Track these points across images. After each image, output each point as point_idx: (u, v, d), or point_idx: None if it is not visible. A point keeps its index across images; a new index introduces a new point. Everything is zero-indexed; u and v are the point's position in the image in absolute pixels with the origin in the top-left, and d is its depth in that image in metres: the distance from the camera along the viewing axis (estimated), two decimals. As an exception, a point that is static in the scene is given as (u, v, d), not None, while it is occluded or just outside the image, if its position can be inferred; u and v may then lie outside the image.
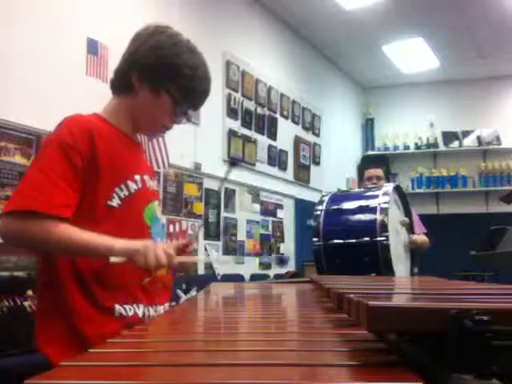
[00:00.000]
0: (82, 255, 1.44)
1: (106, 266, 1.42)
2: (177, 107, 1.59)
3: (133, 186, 1.54)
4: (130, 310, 1.51)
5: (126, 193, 1.52)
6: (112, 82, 1.63)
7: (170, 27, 1.62)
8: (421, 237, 3.48)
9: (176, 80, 1.55)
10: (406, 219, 3.11)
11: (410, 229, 3.19)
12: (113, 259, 1.37)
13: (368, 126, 9.01)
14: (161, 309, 1.61)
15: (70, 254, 1.44)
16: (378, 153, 8.81)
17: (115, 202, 1.50)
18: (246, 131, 5.74)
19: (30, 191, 1.40)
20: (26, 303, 2.88)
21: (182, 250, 1.57)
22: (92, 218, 1.46)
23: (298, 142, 6.82)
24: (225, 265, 5.11)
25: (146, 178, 1.61)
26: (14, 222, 1.38)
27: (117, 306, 1.49)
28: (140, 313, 1.53)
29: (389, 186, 3.00)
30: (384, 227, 2.72)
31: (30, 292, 2.93)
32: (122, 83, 1.59)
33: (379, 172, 3.87)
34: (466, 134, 8.45)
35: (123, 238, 1.44)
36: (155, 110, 1.59)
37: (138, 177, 1.57)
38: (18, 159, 3.26)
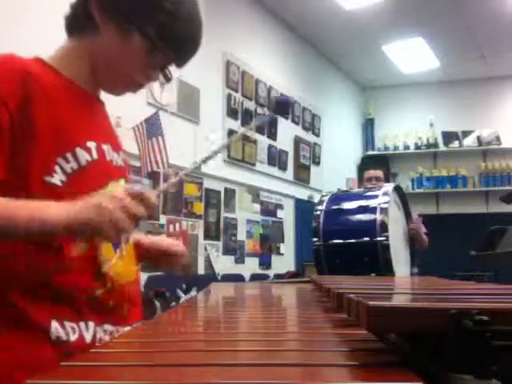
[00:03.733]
0: (22, 235, 1.00)
1: (40, 268, 1.05)
2: (152, 54, 1.18)
3: (84, 156, 1.11)
4: (74, 331, 1.08)
5: (75, 165, 1.10)
6: (66, 19, 1.21)
7: None
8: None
9: (152, 16, 1.16)
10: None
11: (409, 217, 3.19)
12: (78, 249, 1.01)
13: (368, 126, 9.01)
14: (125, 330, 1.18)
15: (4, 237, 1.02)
16: (378, 153, 8.81)
17: (57, 179, 1.07)
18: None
19: None
20: None
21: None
22: (26, 199, 1.03)
23: (298, 141, 6.82)
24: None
25: (105, 147, 1.18)
26: None
27: (54, 326, 1.05)
28: (89, 335, 1.10)
29: (389, 186, 3.00)
30: (384, 227, 2.73)
31: None
32: (79, 18, 1.19)
33: (379, 173, 3.90)
34: (466, 134, 8.45)
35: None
36: (122, 57, 1.18)
37: (92, 144, 1.15)
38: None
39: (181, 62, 1.23)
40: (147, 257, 1.39)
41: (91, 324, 1.11)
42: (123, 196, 0.99)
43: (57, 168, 1.07)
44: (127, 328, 1.16)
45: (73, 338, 1.07)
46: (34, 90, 1.07)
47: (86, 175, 1.11)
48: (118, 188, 1.01)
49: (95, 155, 1.14)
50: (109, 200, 0.98)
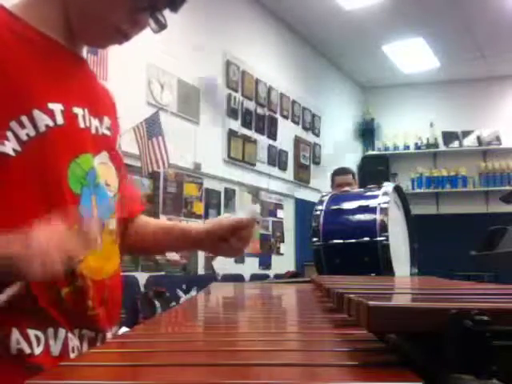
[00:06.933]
0: None
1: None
2: None
3: (43, 120, 0.90)
4: (39, 341, 0.88)
5: (31, 131, 0.89)
6: None
7: None
8: None
9: None
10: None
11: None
12: (8, 291, 0.80)
13: (368, 126, 9.01)
14: (109, 335, 1.01)
15: None
16: (378, 153, 8.81)
17: (9, 147, 0.87)
18: (246, 131, 5.75)
19: None
20: None
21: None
22: None
23: (298, 141, 6.82)
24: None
25: (78, 111, 0.97)
26: None
27: (14, 336, 0.86)
28: (57, 347, 0.90)
29: (389, 186, 3.00)
30: (384, 227, 2.72)
31: None
32: None
33: (349, 179, 4.18)
34: (465, 134, 8.45)
35: (20, 217, 0.84)
36: (101, 2, 0.97)
37: (56, 106, 0.93)
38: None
39: (173, 5, 1.03)
40: (201, 244, 1.21)
41: (62, 331, 0.91)
42: (63, 237, 0.79)
43: (9, 134, 0.87)
44: (109, 333, 1.01)
45: (37, 351, 0.87)
46: None
47: (45, 144, 0.91)
48: (58, 226, 0.80)
49: (60, 120, 0.93)
50: (46, 238, 0.78)
